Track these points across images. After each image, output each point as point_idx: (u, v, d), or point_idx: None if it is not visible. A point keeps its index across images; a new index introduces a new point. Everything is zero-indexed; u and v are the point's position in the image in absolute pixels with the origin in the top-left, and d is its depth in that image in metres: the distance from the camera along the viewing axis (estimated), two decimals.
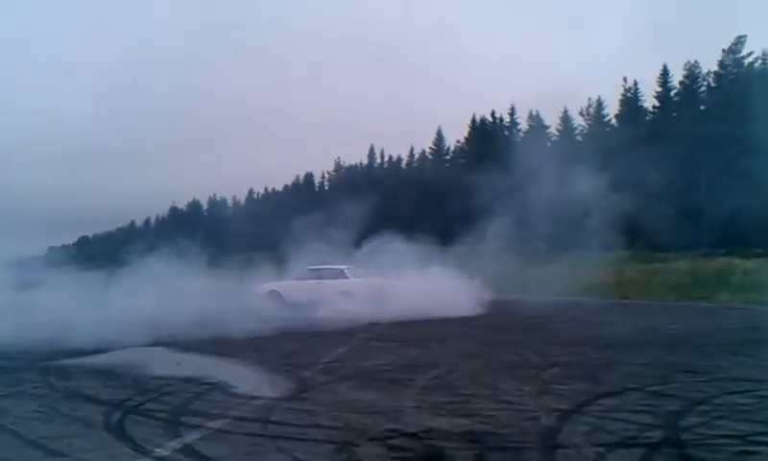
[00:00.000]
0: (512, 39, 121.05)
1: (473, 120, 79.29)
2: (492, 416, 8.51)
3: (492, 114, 78.19)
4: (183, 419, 8.88)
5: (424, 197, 70.10)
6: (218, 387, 11.00)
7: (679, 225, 37.11)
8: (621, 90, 66.48)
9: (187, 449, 7.35)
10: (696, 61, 60.81)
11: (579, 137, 69.82)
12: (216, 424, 8.50)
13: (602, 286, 29.00)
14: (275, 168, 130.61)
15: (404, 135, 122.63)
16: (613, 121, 68.53)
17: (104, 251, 47.92)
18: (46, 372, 12.70)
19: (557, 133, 73.15)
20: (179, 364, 13.49)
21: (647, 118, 65.57)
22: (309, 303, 23.49)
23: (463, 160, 78.22)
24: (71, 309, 21.41)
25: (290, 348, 15.68)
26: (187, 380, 11.63)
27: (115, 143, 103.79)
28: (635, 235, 35.54)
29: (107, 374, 12.61)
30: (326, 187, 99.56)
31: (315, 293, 24.16)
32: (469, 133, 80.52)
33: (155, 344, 16.85)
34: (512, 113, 77.52)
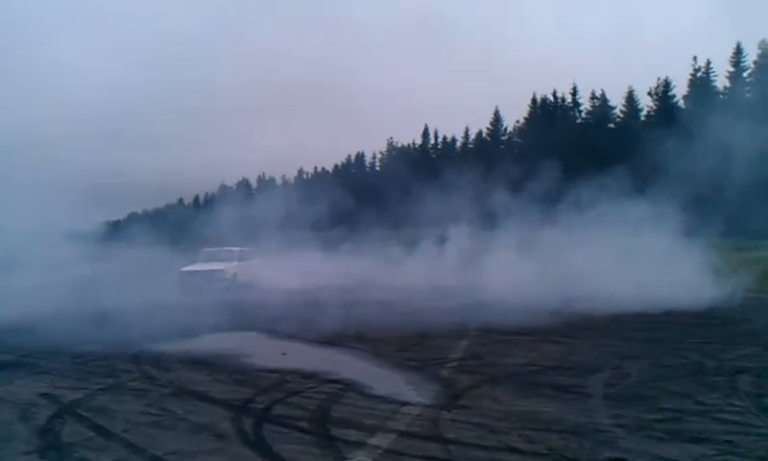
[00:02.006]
0: (574, 16, 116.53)
1: (533, 100, 76.20)
2: (729, 442, 6.76)
3: (554, 94, 75.06)
4: (334, 431, 7.26)
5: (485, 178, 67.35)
6: (351, 387, 9.38)
7: None
8: (691, 70, 62.52)
9: None
10: None
11: (644, 118, 66.19)
12: (380, 441, 6.85)
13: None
14: (325, 148, 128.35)
15: (460, 116, 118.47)
16: (681, 102, 64.87)
17: (161, 226, 46.27)
18: (138, 360, 10.95)
19: (621, 114, 69.74)
20: (284, 354, 11.58)
21: (718, 98, 61.88)
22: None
23: (520, 141, 75.20)
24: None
25: (397, 337, 13.70)
26: (307, 376, 10.09)
27: (164, 120, 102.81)
28: (734, 222, 32.56)
29: (207, 364, 11.17)
30: (378, 167, 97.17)
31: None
32: (529, 114, 77.40)
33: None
34: (574, 93, 74.21)
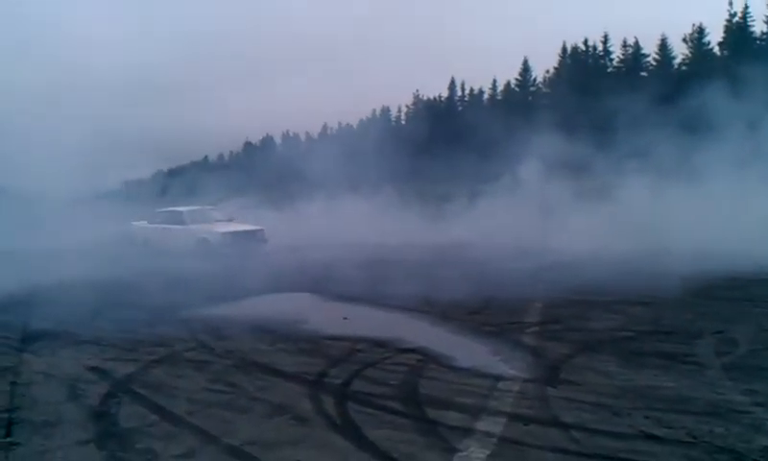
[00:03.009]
0: None
1: (563, 48, 73.90)
2: None
3: (585, 42, 72.73)
4: (430, 413, 6.34)
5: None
6: (431, 357, 8.40)
7: None
8: (726, 15, 59.95)
9: None
10: None
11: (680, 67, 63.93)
12: (490, 427, 5.90)
13: None
14: (349, 103, 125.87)
15: (487, 67, 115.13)
16: (716, 49, 62.45)
17: (187, 183, 45.51)
18: (189, 327, 9.96)
19: (654, 62, 67.50)
20: (346, 318, 10.83)
21: (756, 45, 59.38)
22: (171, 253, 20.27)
23: (550, 91, 73.17)
24: None
25: (463, 298, 12.44)
26: (378, 344, 9.17)
27: (187, 77, 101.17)
28: None
29: (266, 331, 10.23)
30: (404, 121, 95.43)
31: (171, 239, 21.16)
32: (559, 63, 75.16)
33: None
34: (605, 41, 71.87)
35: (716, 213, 17.87)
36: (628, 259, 15.72)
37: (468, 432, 5.55)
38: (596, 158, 24.60)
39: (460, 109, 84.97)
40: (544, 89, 77.33)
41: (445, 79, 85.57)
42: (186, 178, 51.08)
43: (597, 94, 52.07)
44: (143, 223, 23.08)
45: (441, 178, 43.73)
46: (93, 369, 7.80)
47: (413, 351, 8.48)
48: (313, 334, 9.51)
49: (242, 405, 6.38)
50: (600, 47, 72.08)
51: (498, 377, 7.19)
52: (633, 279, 13.30)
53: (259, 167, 51.41)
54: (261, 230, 21.19)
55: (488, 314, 10.91)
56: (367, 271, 15.37)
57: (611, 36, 69.15)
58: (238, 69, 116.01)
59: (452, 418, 5.91)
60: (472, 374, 7.39)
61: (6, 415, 6.16)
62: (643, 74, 66.22)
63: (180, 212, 21.94)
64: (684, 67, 63.09)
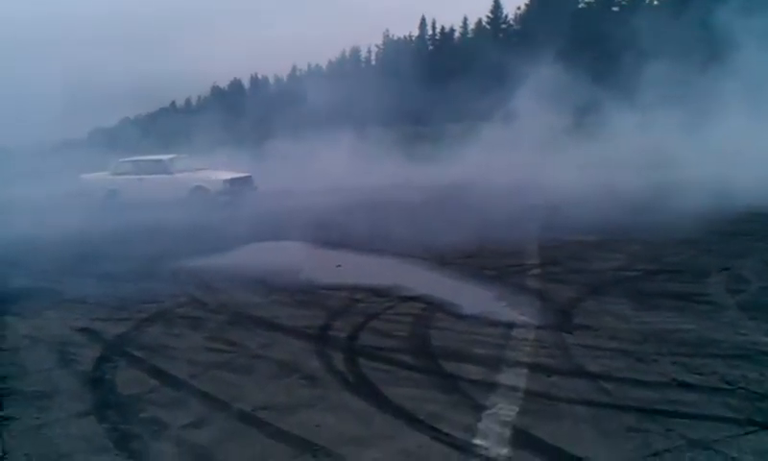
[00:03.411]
0: None
1: None
2: None
3: None
4: (447, 366, 6.03)
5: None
6: (436, 305, 8.09)
7: None
8: None
9: (536, 445, 4.43)
10: None
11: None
12: (512, 380, 5.61)
13: None
14: (318, 43, 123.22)
15: (460, 5, 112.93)
16: None
17: (156, 130, 44.39)
18: (177, 280, 9.56)
19: None
20: (339, 266, 10.55)
21: None
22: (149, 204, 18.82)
23: (521, 28, 72.38)
24: None
25: (456, 241, 12.08)
26: (378, 293, 8.84)
27: (153, 22, 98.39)
28: None
29: (258, 282, 9.78)
30: (373, 62, 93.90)
31: (152, 189, 19.58)
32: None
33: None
34: None
35: (713, 147, 17.58)
36: (623, 197, 15.33)
37: (491, 387, 5.21)
38: (582, 94, 24.11)
39: (431, 48, 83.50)
40: (516, 26, 76.00)
41: (415, 18, 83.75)
42: (157, 125, 49.78)
43: (565, 31, 51.52)
44: (104, 174, 21.37)
45: (426, 117, 43.15)
46: (82, 330, 7.38)
47: (415, 298, 8.16)
48: (307, 284, 9.15)
49: (246, 365, 6.01)
50: None
51: (510, 325, 6.88)
52: (629, 216, 12.96)
53: (233, 111, 50.41)
54: (250, 176, 20.40)
55: (485, 257, 10.65)
56: (356, 215, 14.94)
57: None
58: (203, 12, 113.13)
59: (471, 371, 5.56)
60: (482, 322, 7.07)
61: None
62: (615, 9, 65.25)
63: (163, 160, 20.64)
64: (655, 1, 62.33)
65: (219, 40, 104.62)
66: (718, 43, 25.61)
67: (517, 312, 7.38)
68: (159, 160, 20.61)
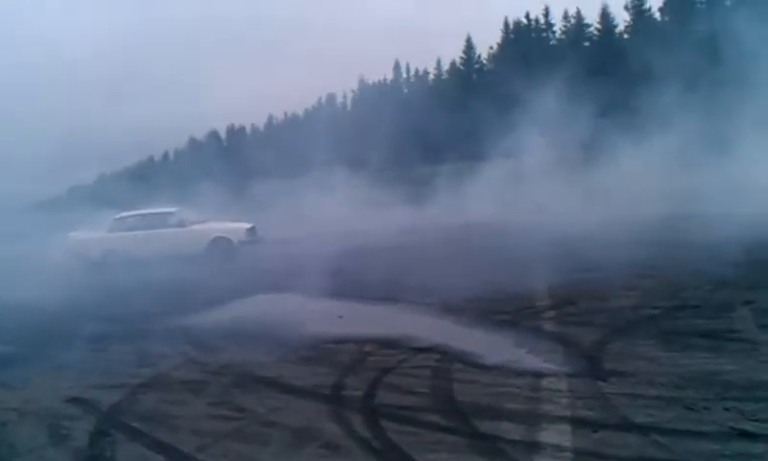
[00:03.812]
0: None
1: (506, 24, 73.59)
2: None
3: (527, 16, 72.60)
4: (481, 425, 5.50)
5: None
6: (452, 356, 7.57)
7: None
8: None
9: None
10: None
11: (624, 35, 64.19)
12: (556, 438, 5.12)
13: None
14: (293, 92, 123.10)
15: (432, 48, 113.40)
16: (657, 15, 62.85)
17: (132, 187, 43.71)
18: (170, 339, 8.91)
19: (597, 32, 67.78)
20: (341, 317, 9.87)
21: (696, 8, 59.65)
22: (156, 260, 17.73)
23: (494, 68, 72.94)
24: None
25: (457, 285, 11.60)
26: (388, 344, 8.36)
27: (126, 78, 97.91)
28: None
29: (258, 338, 9.22)
30: (350, 107, 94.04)
31: (167, 246, 18.41)
32: (502, 39, 74.94)
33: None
34: (546, 14, 71.93)
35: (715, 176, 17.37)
36: (630, 231, 14.97)
37: (534, 447, 4.73)
38: (575, 127, 23.96)
39: (406, 90, 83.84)
40: (489, 66, 76.66)
41: (389, 62, 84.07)
42: (134, 180, 49.10)
43: (538, 68, 51.83)
44: (99, 233, 19.71)
45: (414, 160, 42.81)
46: (74, 400, 6.80)
47: (428, 349, 7.71)
48: (311, 338, 8.61)
49: (257, 434, 5.44)
50: (543, 20, 71.54)
51: (538, 374, 6.39)
52: (638, 250, 12.53)
53: (214, 161, 49.90)
54: (254, 226, 19.80)
55: (492, 301, 10.19)
56: (354, 261, 14.35)
57: (552, 9, 68.47)
58: (174, 67, 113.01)
59: (509, 430, 5.05)
60: (507, 372, 6.56)
61: None
62: (586, 44, 65.97)
63: (174, 213, 19.56)
64: (625, 35, 63.01)
65: (193, 94, 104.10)
66: (694, 69, 25.83)
67: (542, 359, 6.92)
68: (170, 213, 19.46)
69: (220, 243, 18.81)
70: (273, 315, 10.36)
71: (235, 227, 19.37)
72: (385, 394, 6.22)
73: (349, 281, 12.75)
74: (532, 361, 6.89)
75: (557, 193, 20.65)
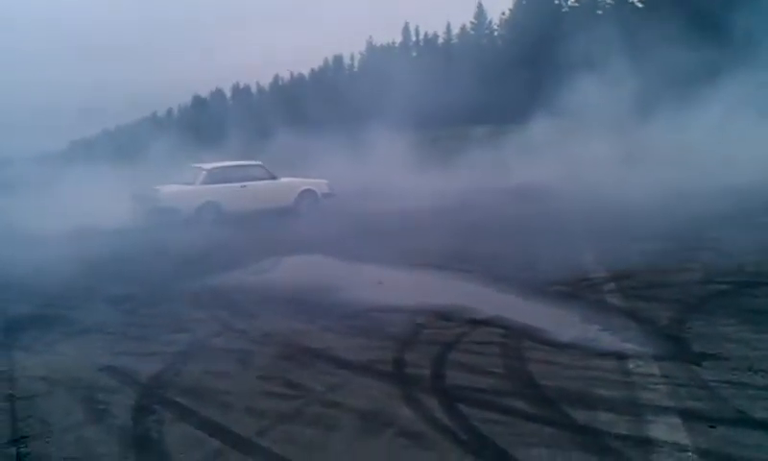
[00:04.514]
0: None
1: None
2: None
3: None
4: (575, 414, 4.88)
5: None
6: (517, 331, 6.94)
7: None
8: None
9: None
10: None
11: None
12: (671, 435, 4.48)
13: None
14: (299, 54, 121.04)
15: (443, 11, 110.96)
16: None
17: (135, 142, 42.76)
18: (202, 303, 8.22)
19: (611, 1, 66.36)
20: (381, 283, 9.51)
21: None
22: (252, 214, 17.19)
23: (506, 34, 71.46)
24: None
25: (499, 251, 11.31)
26: (442, 316, 7.71)
27: (131, 34, 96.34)
28: None
29: (296, 303, 8.68)
30: (356, 70, 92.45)
31: (262, 198, 17.74)
32: (514, 4, 73.34)
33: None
34: None
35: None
36: (675, 200, 14.21)
37: (647, 444, 4.16)
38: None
39: (415, 54, 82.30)
40: (500, 32, 75.26)
41: (397, 26, 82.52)
42: (143, 135, 48.12)
43: (550, 36, 50.61)
44: (190, 187, 17.70)
45: (443, 122, 41.81)
46: (107, 369, 6.07)
47: (487, 322, 7.16)
48: (354, 306, 8.07)
49: (321, 416, 4.83)
50: None
51: (620, 356, 5.78)
52: (685, 221, 12.01)
53: (222, 118, 49.05)
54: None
55: (541, 271, 9.56)
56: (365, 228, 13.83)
57: None
58: (180, 23, 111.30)
59: (610, 422, 4.48)
60: (584, 352, 5.93)
61: (13, 449, 4.34)
62: (599, 12, 64.69)
63: (263, 166, 18.80)
64: (640, 4, 61.64)
65: (197, 52, 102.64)
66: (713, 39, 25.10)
67: (619, 339, 6.32)
68: (260, 166, 18.71)
69: (306, 196, 18.49)
70: (306, 279, 9.61)
71: (318, 181, 19.01)
72: (455, 373, 5.60)
73: (369, 246, 12.08)
74: (609, 340, 6.30)
75: (601, 159, 19.83)
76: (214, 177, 17.47)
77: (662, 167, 18.46)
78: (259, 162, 19.21)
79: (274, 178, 18.35)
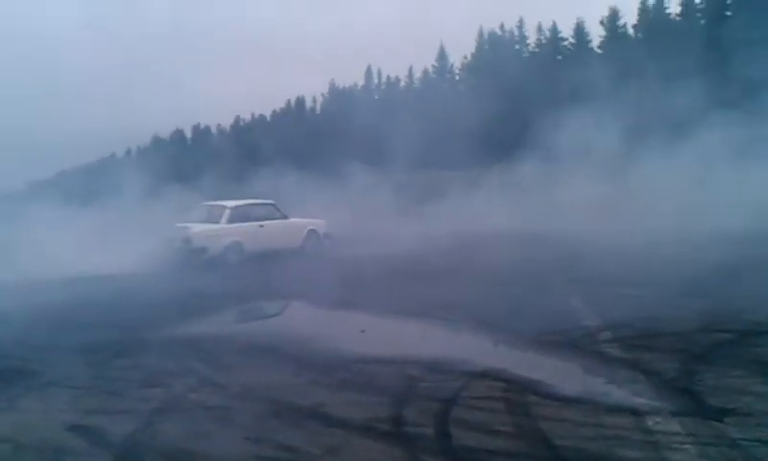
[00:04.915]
0: None
1: (480, 34, 73.22)
2: None
3: (501, 27, 72.48)
4: None
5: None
6: (518, 385, 6.54)
7: None
8: None
9: None
10: None
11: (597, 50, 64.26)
12: None
13: None
14: (263, 93, 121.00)
15: (405, 55, 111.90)
16: (631, 31, 63.08)
17: (95, 183, 41.83)
18: (175, 353, 7.78)
19: (570, 46, 67.90)
20: (363, 331, 9.11)
21: (670, 26, 59.68)
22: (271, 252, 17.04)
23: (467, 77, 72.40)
24: None
25: (483, 297, 10.98)
26: (434, 368, 7.26)
27: (92, 73, 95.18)
28: None
29: (277, 354, 8.18)
30: (319, 111, 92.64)
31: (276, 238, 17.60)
32: (476, 49, 74.48)
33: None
34: (520, 26, 71.82)
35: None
36: (659, 245, 14.04)
37: None
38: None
39: (376, 97, 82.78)
40: (461, 76, 76.28)
41: (360, 67, 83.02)
42: (96, 176, 47.12)
43: (511, 79, 51.31)
44: (215, 226, 17.14)
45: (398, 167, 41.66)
46: (77, 428, 5.46)
47: (485, 375, 6.82)
48: (341, 356, 7.63)
49: None
50: (516, 32, 71.42)
51: (635, 412, 5.40)
52: (666, 266, 12.13)
53: (181, 160, 48.31)
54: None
55: (530, 319, 9.27)
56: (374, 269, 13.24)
57: (526, 21, 68.51)
58: (141, 62, 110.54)
59: None
60: (595, 408, 5.57)
61: None
62: (559, 57, 65.96)
63: (275, 204, 18.42)
64: (599, 50, 63.02)
65: (156, 93, 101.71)
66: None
67: (629, 392, 6.00)
68: (273, 204, 18.29)
69: (312, 236, 18.32)
70: (284, 327, 9.16)
71: (318, 221, 18.87)
72: (460, 432, 5.15)
73: (374, 293, 11.52)
74: (619, 394, 5.96)
75: (574, 202, 19.76)
76: (237, 215, 17.17)
77: (630, 212, 18.39)
78: (272, 201, 18.76)
79: (285, 217, 18.10)
